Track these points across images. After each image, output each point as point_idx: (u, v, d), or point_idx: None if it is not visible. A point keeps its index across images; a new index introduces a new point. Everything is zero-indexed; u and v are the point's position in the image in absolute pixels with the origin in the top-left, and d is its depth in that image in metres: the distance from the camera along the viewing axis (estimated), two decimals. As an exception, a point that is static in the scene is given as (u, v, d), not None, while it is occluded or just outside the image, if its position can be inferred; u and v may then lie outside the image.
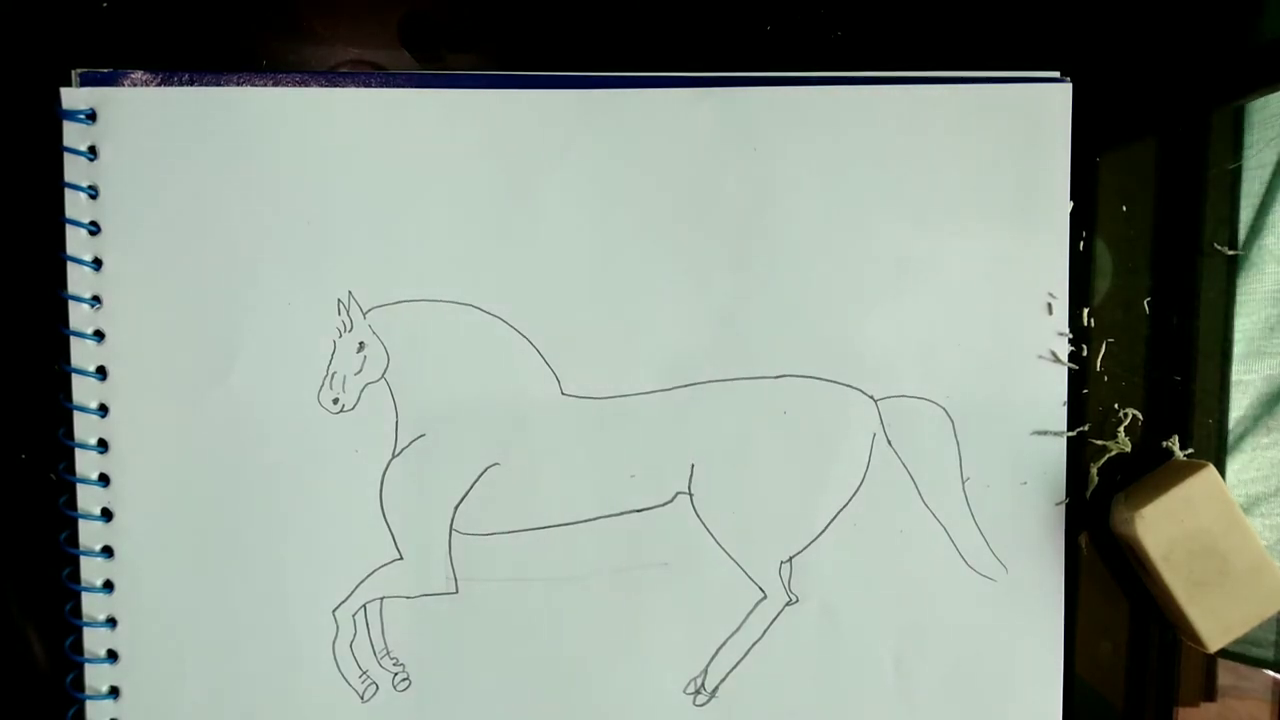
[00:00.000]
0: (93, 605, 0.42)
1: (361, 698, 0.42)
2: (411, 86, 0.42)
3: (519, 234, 0.42)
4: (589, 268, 0.42)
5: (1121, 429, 0.44)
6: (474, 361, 0.42)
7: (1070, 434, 0.43)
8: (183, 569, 0.42)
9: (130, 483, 0.42)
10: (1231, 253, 0.44)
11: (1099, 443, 0.44)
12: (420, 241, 0.42)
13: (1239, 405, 0.44)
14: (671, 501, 0.43)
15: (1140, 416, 0.44)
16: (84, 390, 0.41)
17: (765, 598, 0.43)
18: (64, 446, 0.41)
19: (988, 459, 0.43)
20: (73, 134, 0.41)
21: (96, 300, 0.41)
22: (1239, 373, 0.44)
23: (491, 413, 0.42)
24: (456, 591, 0.42)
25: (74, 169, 0.41)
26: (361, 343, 0.42)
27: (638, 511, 0.43)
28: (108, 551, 0.42)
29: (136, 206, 0.41)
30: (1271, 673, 0.45)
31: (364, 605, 0.42)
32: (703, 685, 0.43)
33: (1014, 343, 0.43)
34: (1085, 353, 0.44)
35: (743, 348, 0.43)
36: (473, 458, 0.42)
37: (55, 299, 0.41)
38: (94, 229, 0.41)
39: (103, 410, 0.42)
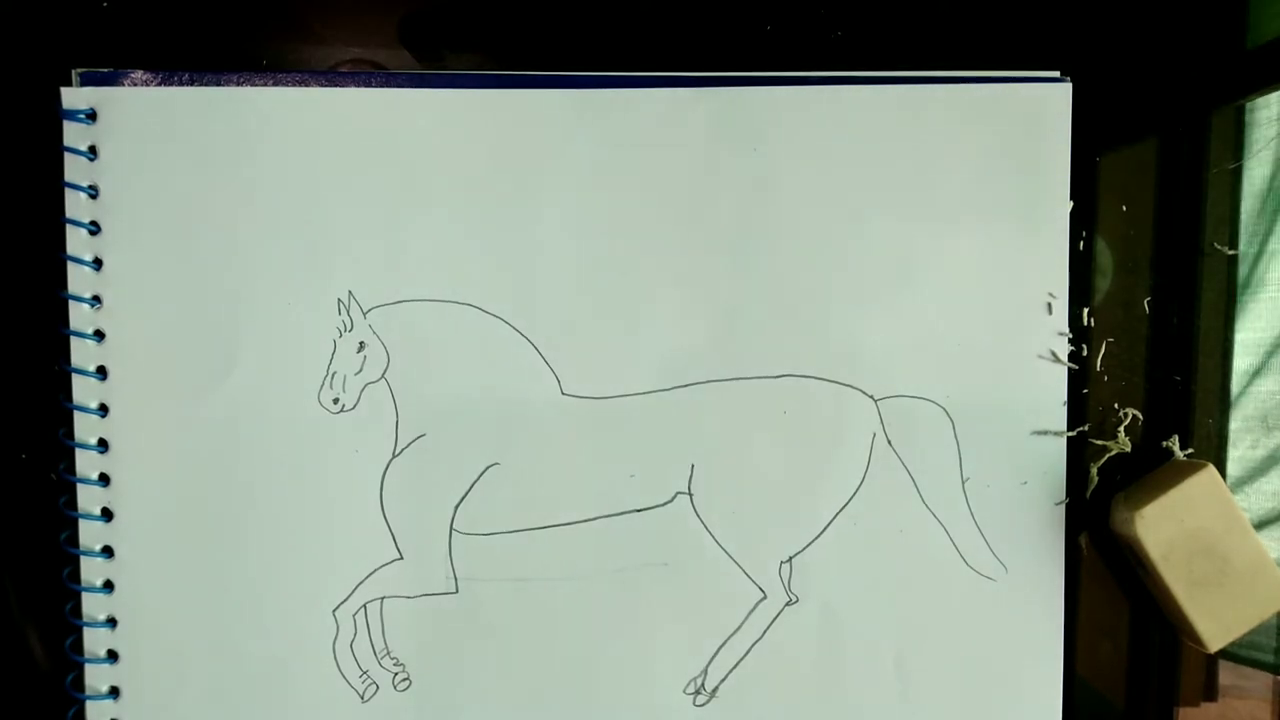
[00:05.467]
0: (93, 605, 0.42)
1: (362, 697, 0.42)
2: (411, 86, 0.42)
3: (519, 234, 0.42)
4: (589, 267, 0.42)
5: (1121, 429, 0.44)
6: (474, 361, 0.42)
7: (1070, 434, 0.43)
8: (183, 569, 0.42)
9: (130, 483, 0.42)
10: (1231, 253, 0.44)
11: (1099, 443, 0.44)
12: (420, 241, 0.42)
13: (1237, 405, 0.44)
14: (671, 501, 0.43)
15: (1140, 416, 0.44)
16: (84, 390, 0.41)
17: (765, 598, 0.43)
18: (64, 446, 0.41)
19: (988, 459, 0.43)
20: (73, 134, 0.41)
21: (96, 300, 0.41)
22: (1238, 373, 0.44)
23: (491, 412, 0.42)
24: (456, 591, 0.42)
25: (74, 169, 0.41)
26: (361, 342, 0.42)
27: (638, 511, 0.43)
28: (108, 551, 0.42)
29: (136, 206, 0.41)
30: (1272, 674, 0.45)
31: (364, 605, 0.42)
32: (703, 685, 0.43)
33: (1014, 343, 0.43)
34: (1085, 353, 0.43)
35: (742, 348, 0.43)
36: (473, 457, 0.42)
37: (55, 299, 0.41)
38: (94, 229, 0.41)
39: (103, 410, 0.42)
